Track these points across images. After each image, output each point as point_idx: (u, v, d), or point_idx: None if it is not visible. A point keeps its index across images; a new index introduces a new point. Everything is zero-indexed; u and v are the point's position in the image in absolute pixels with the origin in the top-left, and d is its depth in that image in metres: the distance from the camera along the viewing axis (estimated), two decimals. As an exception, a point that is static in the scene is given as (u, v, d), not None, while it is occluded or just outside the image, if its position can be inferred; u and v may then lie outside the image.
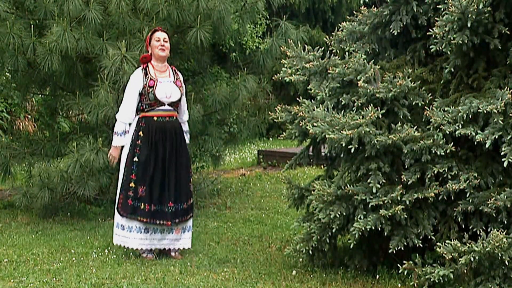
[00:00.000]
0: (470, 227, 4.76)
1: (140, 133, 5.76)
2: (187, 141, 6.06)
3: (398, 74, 5.01)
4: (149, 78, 5.76)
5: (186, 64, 8.77)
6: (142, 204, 5.75)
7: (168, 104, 5.78)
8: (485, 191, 4.69)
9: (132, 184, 5.75)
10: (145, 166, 5.73)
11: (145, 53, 6.00)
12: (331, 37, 5.89)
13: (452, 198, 4.74)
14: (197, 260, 5.76)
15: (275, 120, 5.51)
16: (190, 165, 6.02)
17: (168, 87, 5.78)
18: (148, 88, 5.73)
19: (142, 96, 5.77)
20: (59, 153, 7.89)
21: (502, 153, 4.55)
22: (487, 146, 4.58)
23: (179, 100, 5.85)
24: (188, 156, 5.95)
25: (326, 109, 5.08)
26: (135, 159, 5.75)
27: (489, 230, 4.60)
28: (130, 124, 5.81)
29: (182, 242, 5.93)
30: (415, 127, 4.83)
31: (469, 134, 4.62)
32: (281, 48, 5.77)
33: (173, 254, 5.90)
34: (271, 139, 15.75)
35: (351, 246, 4.99)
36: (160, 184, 5.75)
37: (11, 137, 10.11)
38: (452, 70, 4.96)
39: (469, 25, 4.64)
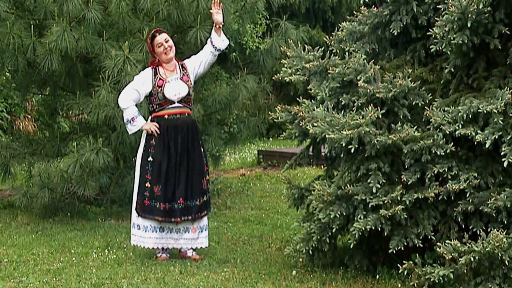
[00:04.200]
0: (470, 227, 4.76)
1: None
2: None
3: (398, 74, 5.01)
4: (158, 78, 5.76)
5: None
6: (158, 203, 5.75)
7: (178, 102, 5.78)
8: (485, 191, 4.69)
9: (148, 184, 5.76)
10: (159, 165, 5.74)
11: (151, 58, 5.96)
12: (331, 37, 5.89)
13: (452, 198, 4.74)
14: (197, 260, 5.76)
15: (275, 120, 5.51)
16: (205, 162, 5.97)
17: (176, 85, 5.77)
18: (157, 88, 5.73)
19: (152, 96, 5.77)
20: (59, 153, 7.89)
21: (502, 153, 4.55)
22: (487, 146, 4.58)
23: (188, 95, 5.83)
24: (201, 152, 5.91)
25: (326, 109, 5.08)
26: (150, 158, 5.76)
27: (489, 230, 4.60)
28: (134, 111, 5.76)
29: (200, 242, 5.91)
30: (415, 127, 4.83)
31: (469, 134, 4.62)
32: (281, 48, 5.77)
33: (189, 254, 5.86)
34: (271, 139, 15.73)
35: (351, 246, 4.99)
36: (173, 182, 5.76)
37: (11, 137, 10.11)
38: (452, 70, 4.96)
39: (469, 25, 4.63)
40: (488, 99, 4.66)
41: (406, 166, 4.87)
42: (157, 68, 5.82)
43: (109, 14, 7.34)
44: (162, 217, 5.76)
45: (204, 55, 6.00)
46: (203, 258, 5.79)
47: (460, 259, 4.46)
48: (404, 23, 5.25)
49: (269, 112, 5.82)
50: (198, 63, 5.98)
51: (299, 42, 5.68)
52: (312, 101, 5.28)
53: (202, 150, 5.94)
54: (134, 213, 5.84)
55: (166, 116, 5.77)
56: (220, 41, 5.97)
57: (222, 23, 5.96)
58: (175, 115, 5.78)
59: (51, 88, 8.51)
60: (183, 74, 5.86)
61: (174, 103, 5.77)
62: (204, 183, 5.89)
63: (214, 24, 5.96)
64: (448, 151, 4.74)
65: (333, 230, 4.97)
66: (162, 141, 5.75)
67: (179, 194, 5.76)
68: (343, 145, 4.79)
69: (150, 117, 5.84)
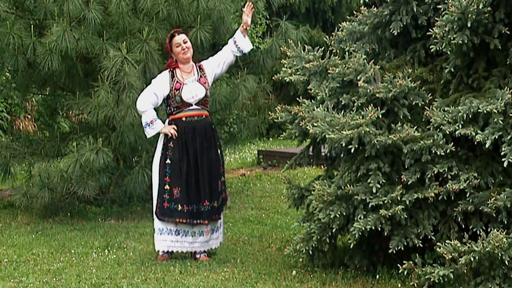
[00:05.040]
0: (470, 227, 4.76)
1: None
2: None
3: (398, 74, 5.01)
4: (175, 81, 5.75)
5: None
6: (179, 205, 5.72)
7: (196, 104, 5.78)
8: (485, 191, 4.69)
9: (167, 187, 5.74)
10: (178, 167, 5.72)
11: (169, 58, 5.91)
12: (331, 37, 5.89)
13: (452, 198, 4.74)
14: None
15: (275, 120, 5.51)
16: (223, 163, 5.96)
17: (193, 87, 5.77)
18: (175, 91, 5.72)
19: (169, 99, 5.76)
20: (59, 153, 7.89)
21: (502, 153, 4.55)
22: (487, 146, 4.58)
23: (205, 96, 5.83)
24: (219, 154, 5.91)
25: (326, 109, 5.08)
26: (168, 161, 5.75)
27: (489, 230, 4.60)
28: (152, 114, 5.75)
29: (211, 243, 5.92)
30: (415, 127, 4.83)
31: (469, 134, 4.62)
32: (281, 48, 5.77)
33: (198, 256, 5.84)
34: (271, 139, 15.74)
35: (351, 246, 4.99)
36: (195, 184, 5.74)
37: (11, 137, 10.11)
38: (452, 70, 4.95)
39: (469, 25, 4.63)
40: (488, 99, 4.66)
41: (406, 166, 4.87)
42: (174, 70, 5.81)
43: (109, 14, 7.34)
44: (185, 219, 5.73)
45: (225, 55, 5.98)
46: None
47: (460, 259, 4.46)
48: (404, 23, 5.25)
49: (269, 112, 5.83)
50: (217, 63, 5.97)
51: (299, 42, 5.69)
52: (312, 101, 5.28)
53: (219, 152, 5.92)
54: (155, 217, 5.82)
55: (183, 119, 5.76)
56: (245, 42, 5.97)
57: (250, 25, 5.97)
58: (193, 117, 5.77)
59: (51, 88, 8.52)
60: (201, 76, 5.84)
61: (192, 105, 5.76)
62: (220, 185, 5.89)
63: (241, 25, 5.96)
64: (448, 151, 4.74)
65: (333, 230, 4.97)
66: (180, 143, 5.73)
67: (204, 196, 5.75)
68: (343, 145, 4.79)
69: (167, 120, 5.83)
